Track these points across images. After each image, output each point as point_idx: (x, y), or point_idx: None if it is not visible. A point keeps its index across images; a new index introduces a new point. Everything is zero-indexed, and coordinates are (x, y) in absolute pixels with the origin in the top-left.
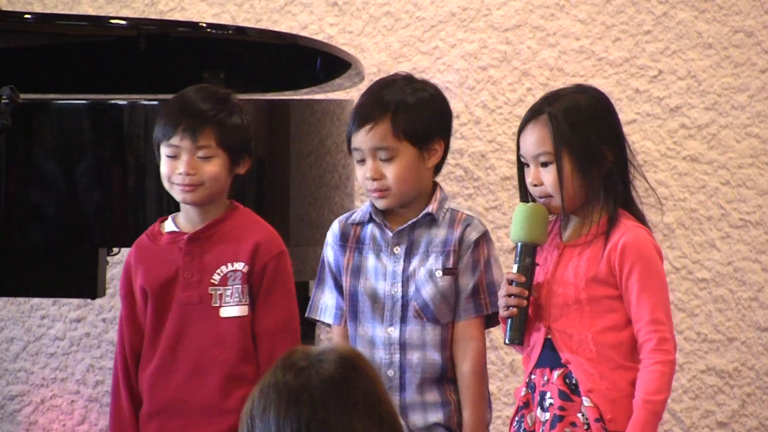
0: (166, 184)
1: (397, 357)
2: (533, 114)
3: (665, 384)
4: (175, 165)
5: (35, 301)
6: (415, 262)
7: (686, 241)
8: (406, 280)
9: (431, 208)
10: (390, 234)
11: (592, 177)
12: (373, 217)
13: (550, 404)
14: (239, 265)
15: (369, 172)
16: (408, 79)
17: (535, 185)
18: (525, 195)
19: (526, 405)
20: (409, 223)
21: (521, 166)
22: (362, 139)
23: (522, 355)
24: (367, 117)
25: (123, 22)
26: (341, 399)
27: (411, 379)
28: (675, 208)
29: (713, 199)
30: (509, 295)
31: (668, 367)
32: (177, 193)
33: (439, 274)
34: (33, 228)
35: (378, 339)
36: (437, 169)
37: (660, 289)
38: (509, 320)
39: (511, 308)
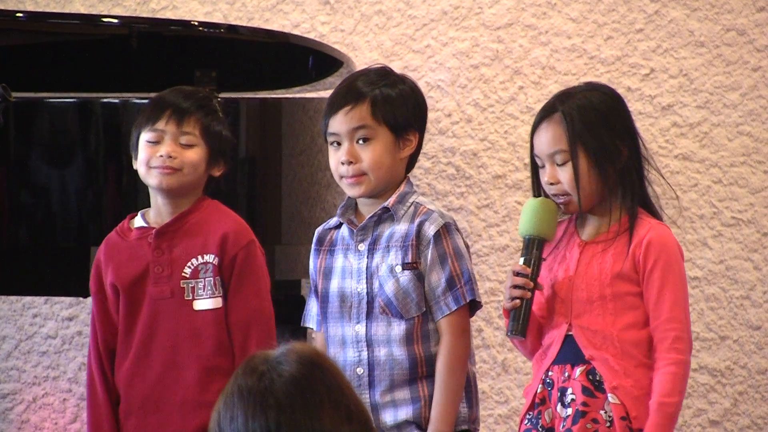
0: (142, 170)
1: (365, 354)
2: (546, 113)
3: (679, 385)
4: (156, 149)
5: (27, 299)
6: (377, 257)
7: (678, 240)
8: (370, 276)
9: (389, 202)
10: (354, 231)
11: (608, 173)
12: (340, 218)
13: (572, 400)
14: (210, 257)
15: (344, 156)
16: (386, 71)
17: (552, 184)
18: (538, 195)
19: (542, 402)
20: (369, 218)
21: (535, 166)
22: (340, 120)
23: (521, 351)
24: (346, 100)
25: (115, 20)
26: (306, 398)
27: (380, 376)
28: (667, 207)
29: (705, 198)
30: (514, 287)
31: (682, 368)
32: (154, 177)
33: (399, 269)
34: (25, 226)
35: (347, 338)
36: (410, 164)
37: (680, 287)
38: (512, 312)
39: (515, 300)
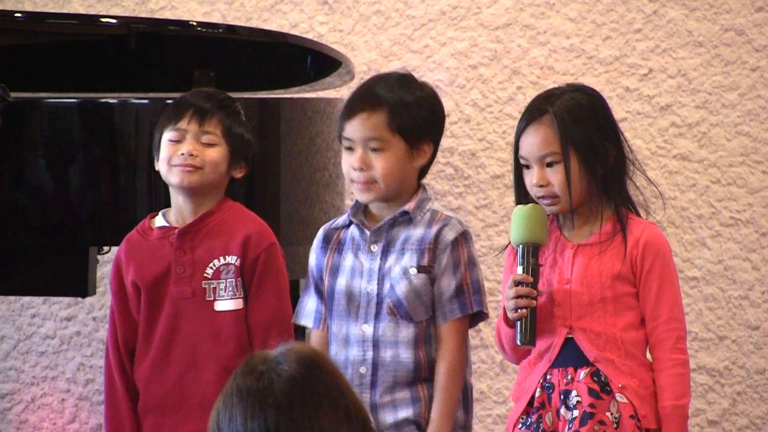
0: (163, 168)
1: (370, 354)
2: (534, 115)
3: (688, 386)
4: (178, 148)
5: (26, 299)
6: (391, 259)
7: (677, 240)
8: (382, 277)
9: (409, 206)
10: (368, 232)
11: (597, 174)
12: (352, 218)
13: (578, 402)
14: (232, 259)
15: (357, 162)
16: (407, 78)
17: (541, 185)
18: (522, 198)
19: (542, 406)
20: (386, 220)
21: (519, 170)
22: (356, 127)
23: (508, 356)
24: (364, 106)
25: (113, 20)
26: (305, 398)
27: (383, 377)
28: (665, 207)
29: (704, 198)
30: (518, 297)
31: (687, 368)
32: (175, 175)
33: (413, 271)
34: (23, 226)
35: (352, 336)
36: (423, 171)
37: (677, 287)
38: (518, 322)
39: (520, 310)
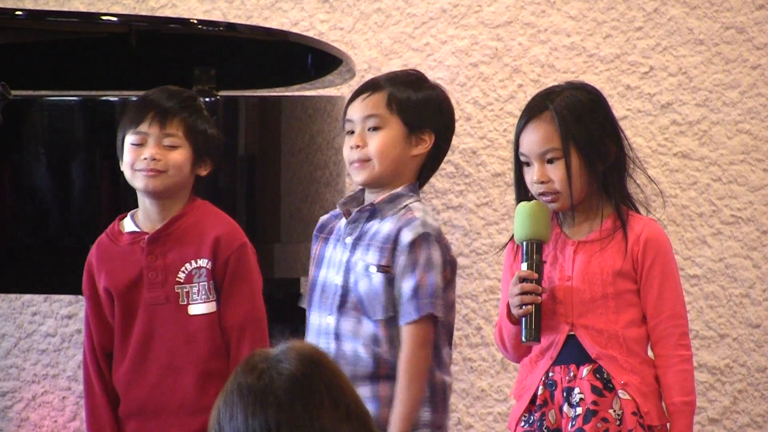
0: (128, 173)
1: (333, 347)
2: (534, 112)
3: (693, 382)
4: (141, 152)
5: (26, 297)
6: (358, 253)
7: (677, 238)
8: (348, 270)
9: (378, 198)
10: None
11: (597, 171)
12: (339, 206)
13: (581, 399)
14: (203, 262)
15: (354, 140)
16: (413, 73)
17: (543, 182)
18: (523, 196)
19: (545, 403)
20: (357, 211)
21: (519, 167)
22: (356, 107)
23: (509, 355)
24: (365, 88)
25: (114, 18)
26: (306, 396)
27: (343, 370)
28: (666, 205)
29: (704, 196)
30: (524, 293)
31: (691, 364)
32: (139, 180)
33: (373, 270)
34: (24, 224)
35: (321, 328)
36: (426, 169)
37: (678, 283)
38: (523, 319)
39: (525, 306)
